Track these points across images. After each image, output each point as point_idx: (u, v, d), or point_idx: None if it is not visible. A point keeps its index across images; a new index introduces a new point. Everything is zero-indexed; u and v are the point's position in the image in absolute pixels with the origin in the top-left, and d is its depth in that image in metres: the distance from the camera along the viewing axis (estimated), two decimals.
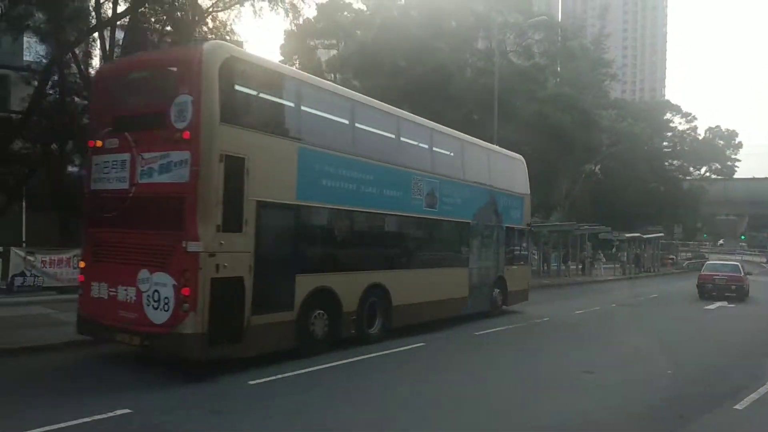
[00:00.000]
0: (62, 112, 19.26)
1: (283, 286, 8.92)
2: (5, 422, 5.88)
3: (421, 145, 12.76)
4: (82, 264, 9.13)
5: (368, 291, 10.69)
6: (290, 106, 9.43)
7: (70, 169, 20.12)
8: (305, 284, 9.26)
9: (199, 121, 7.68)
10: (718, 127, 57.91)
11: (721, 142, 56.77)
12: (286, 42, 37.24)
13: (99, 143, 8.75)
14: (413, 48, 25.25)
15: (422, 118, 13.23)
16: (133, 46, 18.16)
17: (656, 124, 54.77)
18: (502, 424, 6.62)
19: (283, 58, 35.24)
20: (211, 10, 20.68)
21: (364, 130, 11.01)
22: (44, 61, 19.32)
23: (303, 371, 8.35)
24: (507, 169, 16.59)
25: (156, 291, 7.83)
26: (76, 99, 20.21)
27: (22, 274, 14.38)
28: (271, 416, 6.45)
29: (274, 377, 7.99)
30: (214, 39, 18.41)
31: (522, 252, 17.29)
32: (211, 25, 21.06)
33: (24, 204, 20.57)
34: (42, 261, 14.91)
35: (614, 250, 39.88)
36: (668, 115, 57.05)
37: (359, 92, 26.25)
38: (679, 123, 56.93)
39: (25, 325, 10.93)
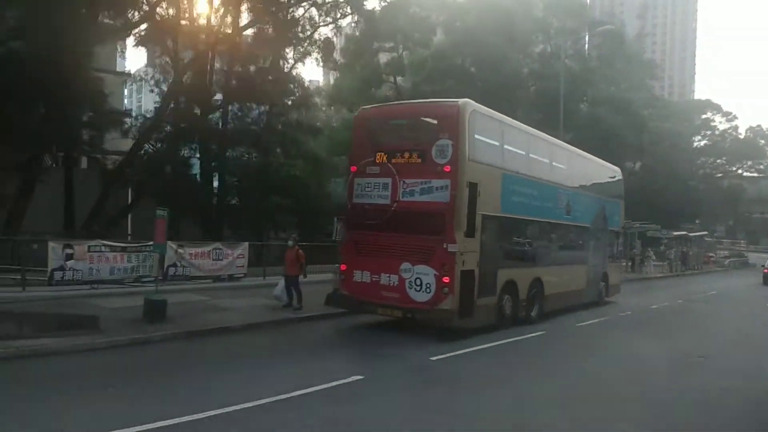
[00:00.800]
0: (187, 119, 22.29)
1: (491, 277, 11.98)
2: (276, 386, 7.36)
3: (562, 163, 15.71)
4: (343, 257, 12.22)
5: (532, 283, 13.72)
6: (498, 143, 12.43)
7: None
8: (502, 276, 12.34)
9: (457, 159, 10.75)
10: (759, 126, 59.59)
11: (762, 141, 58.47)
12: (345, 44, 39.75)
13: (361, 169, 11.85)
14: (488, 55, 27.20)
15: (563, 142, 16.12)
16: None
17: (697, 123, 56.88)
18: (656, 402, 7.83)
19: (343, 60, 37.65)
20: None
21: (534, 156, 14.01)
22: None
23: (470, 349, 10.38)
24: (610, 179, 19.51)
25: (418, 278, 10.94)
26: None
27: (174, 265, 15.71)
28: (463, 380, 8.52)
29: (445, 355, 9.80)
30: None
31: (619, 250, 20.21)
32: None
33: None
34: (189, 254, 16.42)
35: (662, 248, 42.05)
36: (708, 114, 58.93)
37: (433, 94, 28.80)
38: (719, 122, 58.73)
39: (196, 310, 12.52)
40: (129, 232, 23.58)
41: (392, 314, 11.39)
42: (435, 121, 11.37)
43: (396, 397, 7.38)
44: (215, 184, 24.85)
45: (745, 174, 61.38)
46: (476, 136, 11.33)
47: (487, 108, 12.10)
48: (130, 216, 23.60)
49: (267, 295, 14.34)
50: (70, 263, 13.35)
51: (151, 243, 14.91)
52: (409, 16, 25.75)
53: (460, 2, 26.99)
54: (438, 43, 28.44)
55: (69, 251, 13.38)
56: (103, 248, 14.06)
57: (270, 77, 20.86)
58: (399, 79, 36.52)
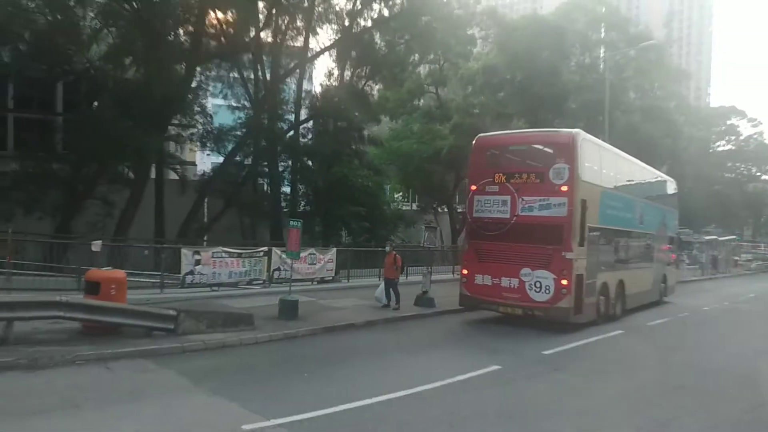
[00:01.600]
0: (271, 132, 24.28)
1: (593, 280, 13.96)
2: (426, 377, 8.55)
3: (636, 178, 17.67)
4: (465, 263, 14.24)
5: (618, 284, 15.68)
6: (597, 165, 14.42)
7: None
8: (599, 279, 14.31)
9: (573, 180, 12.76)
10: None
11: None
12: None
13: (480, 188, 13.88)
14: (540, 70, 28.82)
15: (636, 159, 18.09)
16: None
17: (722, 129, 58.37)
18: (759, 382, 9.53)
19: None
20: None
21: (620, 173, 16.00)
22: None
23: (574, 344, 11.84)
24: (668, 189, 21.47)
25: (538, 281, 12.95)
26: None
27: (279, 269, 17.06)
28: (586, 369, 10.00)
29: (555, 349, 11.22)
30: None
31: (676, 254, 22.16)
32: None
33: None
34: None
35: (694, 251, 43.65)
36: (733, 120, 60.34)
37: (484, 104, 30.48)
38: (744, 128, 60.04)
39: (314, 309, 13.68)
40: (205, 238, 25.51)
41: (513, 312, 13.39)
42: (551, 149, 13.35)
43: (535, 383, 8.94)
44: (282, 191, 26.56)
45: None
46: (584, 160, 13.34)
47: (590, 135, 14.08)
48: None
49: (362, 296, 16.24)
50: (198, 267, 15.04)
51: (262, 249, 17.13)
52: (451, 28, 27.34)
53: (511, 19, 28.83)
54: (489, 58, 30.30)
55: (197, 257, 15.19)
56: (223, 254, 15.92)
57: (347, 94, 22.71)
58: (440, 90, 38.58)
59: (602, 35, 33.19)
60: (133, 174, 20.17)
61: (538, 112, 29.18)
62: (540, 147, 13.72)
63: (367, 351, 10.79)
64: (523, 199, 13.29)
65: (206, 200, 24.37)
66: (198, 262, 14.81)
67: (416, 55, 23.02)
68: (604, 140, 26.05)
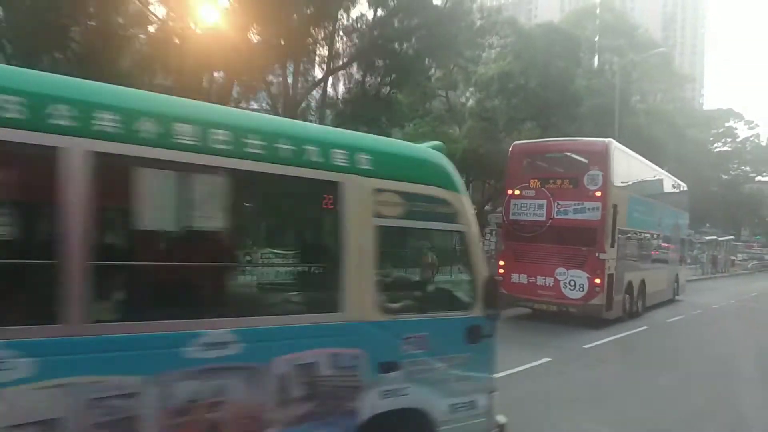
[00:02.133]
0: None
1: (621, 279, 14.90)
2: None
3: (655, 182, 18.66)
4: (501, 263, 15.14)
5: (640, 283, 16.65)
6: (626, 171, 15.37)
7: None
8: (626, 278, 15.26)
9: (606, 186, 13.69)
10: None
11: None
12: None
13: (517, 192, 14.79)
14: (555, 77, 29.75)
15: (656, 166, 19.08)
16: None
17: (720, 131, 59.77)
18: None
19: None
20: None
21: (643, 179, 16.98)
22: None
23: (609, 339, 12.77)
24: (680, 192, 22.53)
25: (572, 280, 13.88)
26: None
27: None
28: (628, 361, 10.81)
29: (594, 343, 12.14)
30: None
31: (684, 254, 23.23)
32: None
33: None
34: None
35: (695, 251, 44.78)
36: (731, 122, 61.76)
37: (497, 109, 31.24)
38: (741, 130, 61.51)
39: None
40: None
41: (548, 308, 14.31)
42: (585, 157, 14.28)
43: (588, 372, 9.86)
44: None
45: (765, 179, 63.96)
46: (615, 167, 14.29)
47: (619, 144, 15.02)
48: None
49: None
50: None
51: None
52: (473, 37, 28.05)
53: (529, 28, 29.73)
54: (503, 65, 31.13)
55: None
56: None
57: (374, 100, 23.49)
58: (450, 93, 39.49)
59: (609, 41, 34.18)
60: None
61: (549, 117, 30.10)
62: (574, 154, 14.64)
63: None
64: (558, 203, 14.21)
65: None
66: None
67: (436, 63, 23.83)
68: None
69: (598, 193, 13.73)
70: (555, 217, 14.25)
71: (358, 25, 22.03)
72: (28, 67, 3.15)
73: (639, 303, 16.78)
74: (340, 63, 23.19)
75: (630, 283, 15.67)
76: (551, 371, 9.70)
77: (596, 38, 35.77)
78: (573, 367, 10.18)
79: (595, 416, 7.38)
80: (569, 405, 7.78)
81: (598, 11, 32.98)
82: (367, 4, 20.96)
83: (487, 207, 35.60)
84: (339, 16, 21.65)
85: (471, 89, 36.71)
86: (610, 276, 14.02)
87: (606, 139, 14.36)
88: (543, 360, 10.20)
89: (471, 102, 35.69)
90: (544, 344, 11.71)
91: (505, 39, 26.17)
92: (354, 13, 21.76)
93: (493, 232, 23.14)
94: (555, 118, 30.24)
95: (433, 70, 24.11)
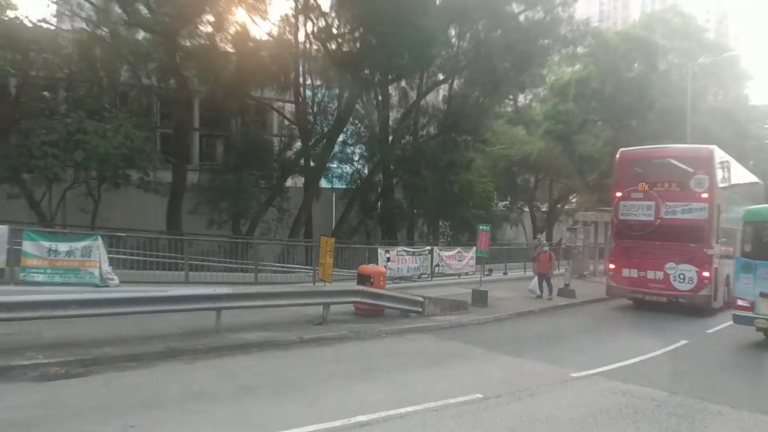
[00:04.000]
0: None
1: (722, 273, 16.39)
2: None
3: (742, 180, 19.88)
4: (612, 258, 16.81)
5: (727, 278, 18.01)
6: (726, 174, 16.83)
7: None
8: (722, 271, 16.68)
9: (712, 189, 15.28)
10: None
11: None
12: None
13: (626, 195, 16.45)
14: (631, 80, 30.84)
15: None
16: None
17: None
18: None
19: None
20: None
21: (736, 179, 18.32)
22: None
23: (724, 325, 13.84)
24: (760, 190, 23.62)
25: (682, 273, 15.49)
26: None
27: (438, 265, 20.33)
28: (753, 345, 13.00)
29: (715, 328, 13.82)
30: None
31: None
32: None
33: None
34: (445, 256, 20.87)
35: None
36: None
37: (571, 112, 32.47)
38: None
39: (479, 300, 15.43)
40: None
41: (657, 299, 15.92)
42: (691, 162, 15.82)
43: (730, 352, 11.47)
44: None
45: None
46: (718, 171, 15.81)
47: (719, 149, 16.49)
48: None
49: (509, 288, 18.91)
50: (389, 264, 18.07)
51: (427, 248, 19.95)
52: (561, 47, 29.45)
53: (609, 37, 30.90)
54: (578, 71, 32.41)
55: (388, 255, 18.12)
56: (404, 252, 18.88)
57: (473, 109, 25.42)
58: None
59: (678, 44, 35.12)
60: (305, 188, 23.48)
61: (622, 119, 31.39)
62: (680, 160, 16.20)
63: (568, 331, 13.31)
64: (666, 205, 15.83)
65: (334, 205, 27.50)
66: (388, 260, 17.67)
67: (528, 75, 25.52)
68: (685, 143, 28.57)
69: (705, 195, 15.32)
70: (663, 217, 15.87)
71: (469, 45, 24.01)
72: None
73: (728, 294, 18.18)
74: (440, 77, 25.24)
75: (727, 277, 17.12)
76: (698, 349, 11.47)
77: (665, 42, 36.50)
78: (712, 346, 11.95)
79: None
80: (723, 375, 9.59)
81: (668, 16, 33.92)
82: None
83: (558, 206, 37.14)
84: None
85: (535, 90, 38.23)
86: (715, 270, 15.58)
87: (711, 147, 15.91)
88: (682, 342, 11.96)
89: (534, 103, 37.14)
90: (672, 330, 13.40)
91: (590, 48, 27.52)
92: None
93: (580, 230, 24.69)
94: (628, 120, 31.50)
95: (525, 80, 25.78)
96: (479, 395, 7.32)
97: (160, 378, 7.58)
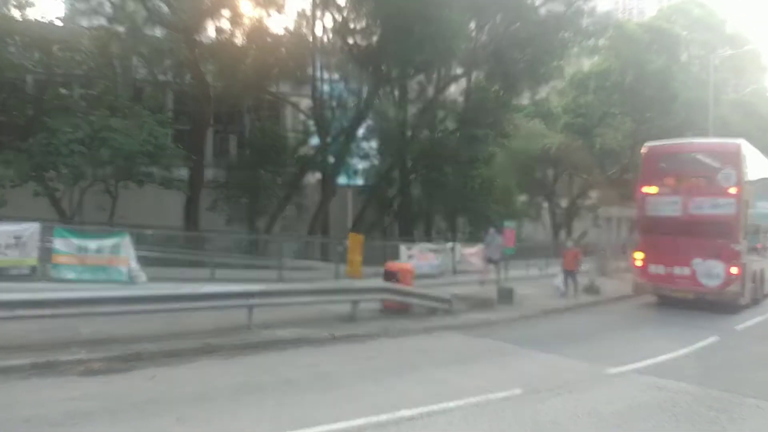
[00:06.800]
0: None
1: (749, 269, 16.21)
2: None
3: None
4: (640, 254, 16.62)
5: (760, 273, 17.75)
6: (753, 169, 16.56)
7: None
8: (750, 267, 16.47)
9: (740, 184, 15.10)
10: None
11: None
12: None
13: (652, 190, 16.29)
14: (652, 72, 30.48)
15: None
16: None
17: None
18: None
19: None
20: None
21: (762, 174, 18.07)
22: None
23: (752, 322, 14.03)
24: None
25: (709, 270, 15.32)
26: None
27: (459, 262, 20.83)
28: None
29: (744, 324, 13.68)
30: None
31: None
32: None
33: None
34: (464, 253, 21.51)
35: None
36: None
37: (591, 105, 32.13)
38: None
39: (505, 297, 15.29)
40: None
41: (684, 296, 15.78)
42: (718, 157, 15.65)
43: (757, 348, 11.30)
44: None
45: None
46: (746, 166, 15.62)
47: (747, 143, 16.28)
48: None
49: (533, 285, 18.73)
50: (412, 261, 18.13)
51: (450, 244, 20.02)
52: (582, 40, 29.19)
53: (630, 29, 30.59)
54: (597, 63, 32.11)
55: (410, 252, 18.17)
56: (427, 250, 18.90)
57: (494, 104, 25.32)
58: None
59: (698, 35, 34.69)
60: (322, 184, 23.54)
61: (644, 112, 31.07)
62: (707, 155, 16.03)
63: (597, 328, 13.29)
64: (693, 200, 15.66)
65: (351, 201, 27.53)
66: (410, 257, 17.70)
67: (548, 67, 25.32)
68: (708, 136, 28.23)
69: (732, 190, 15.14)
70: (690, 212, 15.70)
71: (487, 38, 23.88)
72: None
73: (759, 291, 17.95)
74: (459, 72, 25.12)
75: (755, 273, 16.93)
76: (730, 345, 11.41)
77: (685, 33, 36.03)
78: (743, 342, 11.87)
79: None
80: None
81: (688, 7, 33.50)
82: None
83: (578, 201, 36.83)
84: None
85: (553, 83, 37.92)
86: (743, 265, 15.40)
87: (738, 141, 15.72)
88: (713, 338, 11.86)
89: (552, 96, 36.79)
90: (700, 327, 13.29)
91: (612, 41, 27.28)
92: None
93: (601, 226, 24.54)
94: (650, 113, 31.19)
95: (545, 73, 25.62)
96: (518, 391, 7.34)
97: (202, 372, 7.71)
